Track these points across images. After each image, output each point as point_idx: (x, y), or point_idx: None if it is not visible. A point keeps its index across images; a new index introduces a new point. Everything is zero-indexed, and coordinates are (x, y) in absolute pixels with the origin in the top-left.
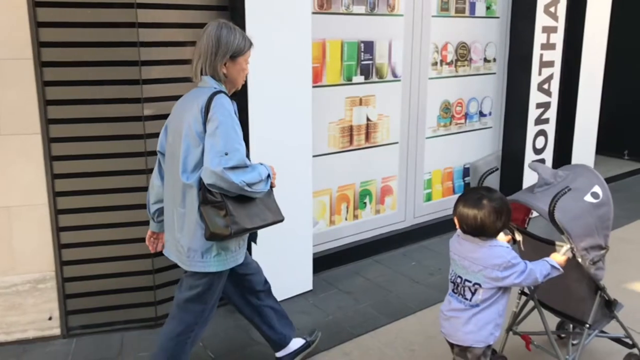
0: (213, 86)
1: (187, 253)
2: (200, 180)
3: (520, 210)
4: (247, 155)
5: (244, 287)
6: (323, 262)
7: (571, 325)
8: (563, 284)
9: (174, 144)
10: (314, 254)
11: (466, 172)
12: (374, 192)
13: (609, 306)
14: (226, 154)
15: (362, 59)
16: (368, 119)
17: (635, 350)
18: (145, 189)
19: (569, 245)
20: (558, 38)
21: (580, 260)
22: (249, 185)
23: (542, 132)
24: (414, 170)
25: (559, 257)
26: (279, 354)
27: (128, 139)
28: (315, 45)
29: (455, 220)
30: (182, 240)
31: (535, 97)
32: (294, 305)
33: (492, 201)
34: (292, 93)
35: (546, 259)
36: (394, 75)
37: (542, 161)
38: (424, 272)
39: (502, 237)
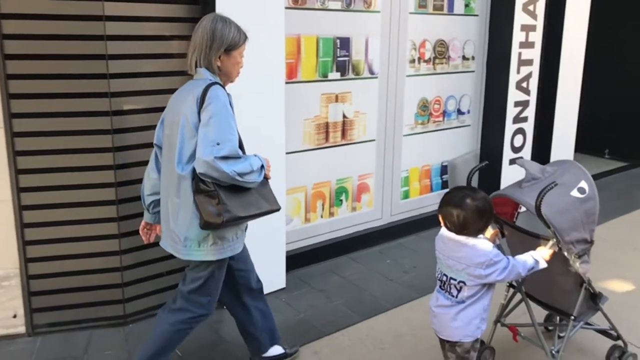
0: (208, 78)
1: (183, 242)
2: (194, 170)
3: (508, 204)
4: (242, 147)
5: (238, 283)
6: (297, 259)
7: (558, 318)
8: (549, 277)
9: (171, 136)
10: (288, 252)
11: (444, 170)
12: (350, 189)
13: (594, 299)
14: (218, 144)
15: (338, 55)
16: (344, 116)
17: (619, 342)
18: (113, 184)
19: (554, 239)
20: (537, 36)
21: (566, 254)
22: (240, 174)
23: (521, 131)
24: (391, 168)
25: (544, 251)
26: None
27: (95, 134)
28: (289, 41)
29: (440, 218)
30: (177, 230)
31: (514, 95)
32: None
33: (476, 200)
34: (265, 88)
35: (531, 252)
36: (371, 72)
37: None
38: (399, 270)
39: (490, 231)
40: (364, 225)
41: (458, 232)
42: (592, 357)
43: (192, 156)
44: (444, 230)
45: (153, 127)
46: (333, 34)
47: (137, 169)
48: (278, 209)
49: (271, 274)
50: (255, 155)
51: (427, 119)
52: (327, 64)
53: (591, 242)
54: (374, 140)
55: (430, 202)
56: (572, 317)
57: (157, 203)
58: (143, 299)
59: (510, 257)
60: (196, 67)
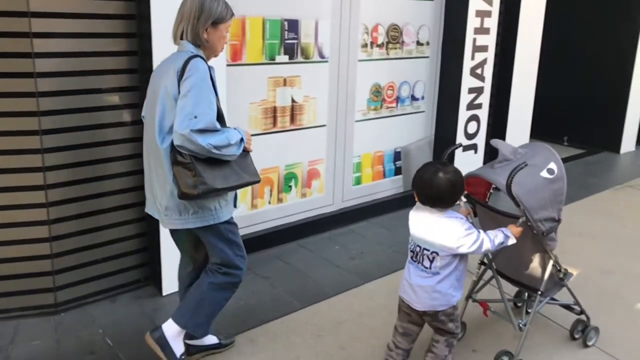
0: (190, 50)
1: (165, 212)
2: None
3: (481, 184)
4: (222, 120)
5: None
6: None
7: (526, 294)
8: (519, 254)
9: (152, 107)
10: None
11: (397, 156)
12: (300, 175)
13: (560, 275)
14: (195, 117)
15: (286, 37)
16: (293, 101)
17: (582, 317)
18: (41, 169)
19: (524, 217)
20: (492, 23)
21: (534, 231)
22: (217, 147)
23: (475, 117)
24: (343, 154)
25: (514, 228)
26: (187, 341)
27: (21, 116)
28: (233, 22)
29: (414, 193)
30: (160, 199)
31: (468, 81)
32: None
33: (447, 173)
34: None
35: (502, 229)
36: (321, 56)
37: (475, 146)
38: (346, 256)
39: (463, 210)
40: (315, 211)
41: (431, 205)
42: (558, 331)
43: (172, 128)
44: (418, 204)
45: (81, 110)
46: (280, 16)
47: (65, 153)
48: (258, 181)
49: None
50: (234, 128)
51: (379, 104)
52: (274, 47)
53: (558, 221)
54: (324, 125)
55: (383, 188)
56: (539, 293)
57: None
58: (76, 286)
59: (481, 231)
60: (181, 38)
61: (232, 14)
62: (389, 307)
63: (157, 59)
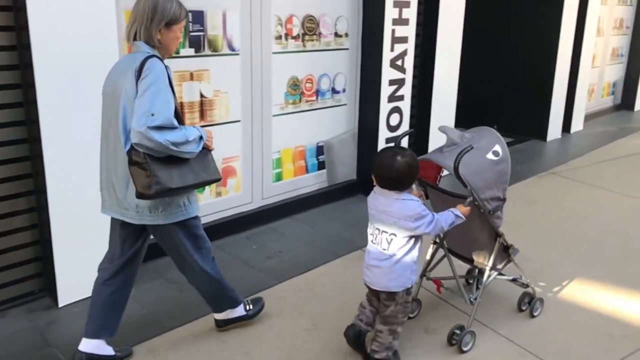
0: (146, 51)
1: (135, 209)
2: None
3: (432, 168)
4: (179, 118)
5: (139, 259)
6: (152, 250)
7: (477, 271)
8: (468, 233)
9: (112, 109)
10: None
11: (320, 150)
12: None
13: (507, 251)
14: (152, 115)
15: (191, 30)
16: (202, 96)
17: (529, 289)
18: None
19: (471, 197)
20: (411, 13)
21: (481, 210)
22: (175, 144)
23: (397, 109)
24: (261, 150)
25: (462, 208)
26: (83, 347)
27: None
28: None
29: (373, 177)
30: (128, 198)
31: (388, 73)
32: None
33: (405, 157)
34: (96, 67)
35: (451, 209)
36: (231, 48)
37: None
38: (263, 256)
39: (415, 193)
40: (232, 210)
41: (390, 188)
42: (506, 303)
43: None
44: (376, 189)
45: None
46: None
47: None
48: (219, 179)
49: None
50: (194, 127)
51: (298, 98)
52: None
53: (504, 200)
54: (239, 121)
55: (306, 183)
56: (488, 268)
57: None
58: None
59: (435, 213)
60: (135, 39)
61: (187, 13)
62: (299, 307)
63: (37, 53)
